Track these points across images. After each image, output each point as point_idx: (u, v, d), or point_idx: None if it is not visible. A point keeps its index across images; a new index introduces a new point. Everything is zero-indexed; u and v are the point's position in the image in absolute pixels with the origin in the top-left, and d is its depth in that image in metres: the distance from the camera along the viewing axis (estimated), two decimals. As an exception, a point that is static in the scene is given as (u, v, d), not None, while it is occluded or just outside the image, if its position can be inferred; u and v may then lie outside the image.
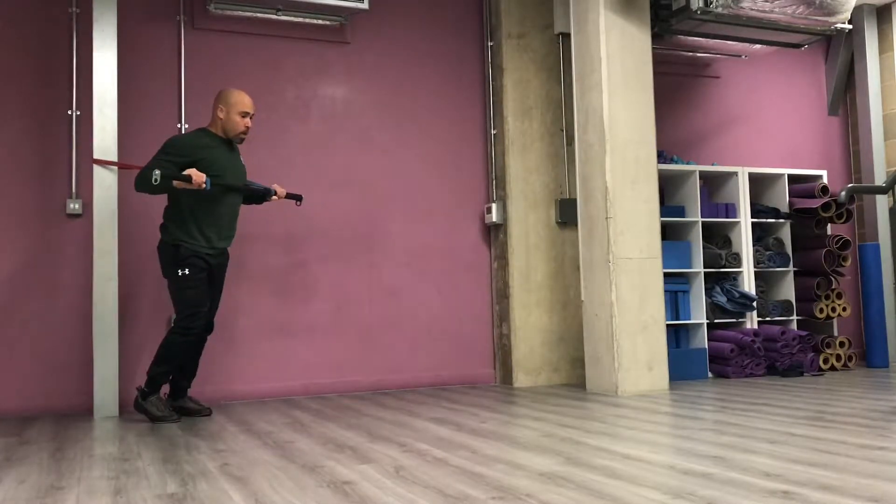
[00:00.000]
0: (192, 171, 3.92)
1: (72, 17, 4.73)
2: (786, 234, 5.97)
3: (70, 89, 4.69)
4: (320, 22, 5.26)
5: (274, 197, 4.46)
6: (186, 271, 4.02)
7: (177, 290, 4.06)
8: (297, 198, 4.57)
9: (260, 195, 4.43)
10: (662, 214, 5.34)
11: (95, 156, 4.37)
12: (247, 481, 2.51)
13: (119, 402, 4.33)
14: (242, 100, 4.17)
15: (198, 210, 4.07)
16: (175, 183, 3.92)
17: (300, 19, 5.21)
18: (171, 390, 4.24)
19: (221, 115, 4.16)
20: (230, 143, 4.23)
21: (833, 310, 5.86)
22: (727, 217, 5.77)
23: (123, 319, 4.55)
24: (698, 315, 5.55)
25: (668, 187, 5.86)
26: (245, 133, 4.22)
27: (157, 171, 3.84)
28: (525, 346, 5.35)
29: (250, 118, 4.21)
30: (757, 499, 2.09)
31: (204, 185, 3.93)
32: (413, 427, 3.57)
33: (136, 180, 4.00)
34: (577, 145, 5.00)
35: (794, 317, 5.84)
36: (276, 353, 4.99)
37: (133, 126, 4.74)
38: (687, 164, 5.94)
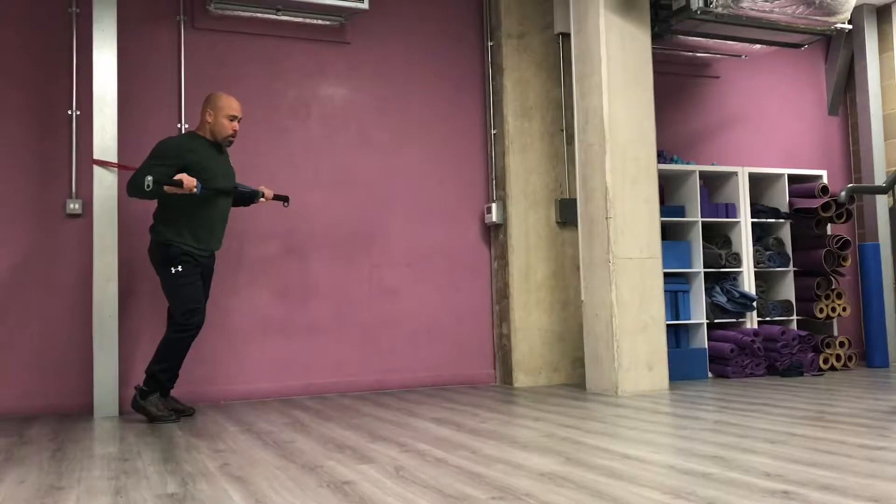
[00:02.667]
0: (183, 176, 3.94)
1: (72, 18, 4.73)
2: (786, 234, 5.97)
3: (70, 89, 4.69)
4: (320, 22, 5.26)
5: (261, 199, 4.48)
6: (180, 268, 4.05)
7: (172, 287, 4.08)
8: (284, 199, 4.59)
9: (248, 197, 4.45)
10: (662, 214, 5.34)
11: (95, 156, 4.37)
12: (247, 481, 2.51)
13: (119, 402, 4.33)
14: (230, 104, 4.20)
15: (189, 212, 4.09)
16: (166, 188, 3.94)
17: (300, 19, 5.21)
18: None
19: (209, 118, 4.18)
20: (219, 147, 4.25)
21: (833, 310, 5.86)
22: (727, 217, 5.77)
23: (123, 319, 4.55)
24: (698, 315, 5.55)
25: (668, 187, 5.86)
26: (233, 136, 4.25)
27: (149, 178, 3.87)
28: (525, 346, 5.35)
29: (238, 122, 4.24)
30: (757, 499, 2.09)
31: (195, 190, 3.96)
32: (413, 427, 3.57)
33: (129, 186, 4.02)
34: (577, 145, 5.00)
35: (794, 317, 5.85)
36: (276, 353, 4.99)
37: (133, 126, 4.74)
38: (687, 164, 5.94)
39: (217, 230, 4.21)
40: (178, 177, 3.95)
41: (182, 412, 4.16)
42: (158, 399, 4.05)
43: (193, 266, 4.10)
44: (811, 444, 2.87)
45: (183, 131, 4.90)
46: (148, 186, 3.87)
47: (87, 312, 4.51)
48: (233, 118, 4.20)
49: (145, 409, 4.02)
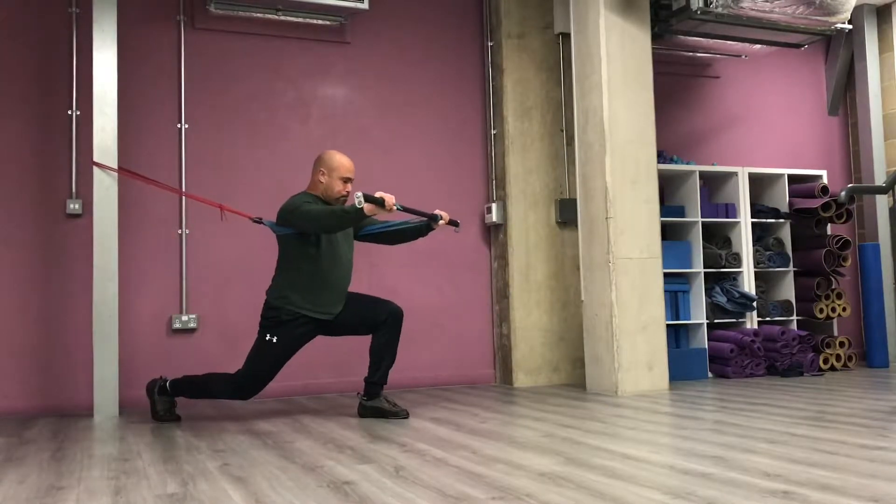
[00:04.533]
0: (384, 194, 3.68)
1: (72, 17, 4.73)
2: (786, 234, 5.97)
3: (70, 89, 4.69)
4: (320, 22, 5.26)
5: (441, 222, 4.05)
6: (274, 339, 3.82)
7: (255, 349, 3.87)
8: (456, 224, 4.18)
9: (422, 227, 4.08)
10: (662, 214, 5.34)
11: (95, 156, 4.37)
12: (247, 481, 2.51)
13: (119, 402, 4.33)
14: (345, 164, 3.96)
15: (316, 270, 3.85)
16: (366, 208, 3.61)
17: (300, 19, 5.21)
18: (364, 389, 3.98)
19: (323, 179, 3.95)
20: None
21: (833, 310, 5.86)
22: (727, 217, 5.77)
23: (123, 319, 4.55)
24: (698, 315, 5.55)
25: (668, 187, 5.86)
26: (345, 198, 4.00)
27: (359, 193, 3.59)
28: (525, 346, 5.35)
29: (350, 183, 4.00)
30: (757, 499, 2.09)
31: (395, 207, 3.68)
32: (413, 427, 3.57)
33: (313, 217, 3.73)
34: (577, 145, 5.00)
35: (794, 317, 5.84)
36: (276, 353, 4.99)
37: (133, 126, 4.74)
38: (687, 164, 5.94)
39: (343, 289, 3.96)
40: (378, 194, 3.66)
41: (394, 414, 3.92)
42: (169, 401, 4.03)
43: (293, 338, 3.85)
44: (811, 444, 2.87)
45: (183, 131, 4.90)
46: (360, 203, 3.57)
47: (87, 312, 4.51)
48: (346, 180, 3.96)
49: (153, 402, 4.01)
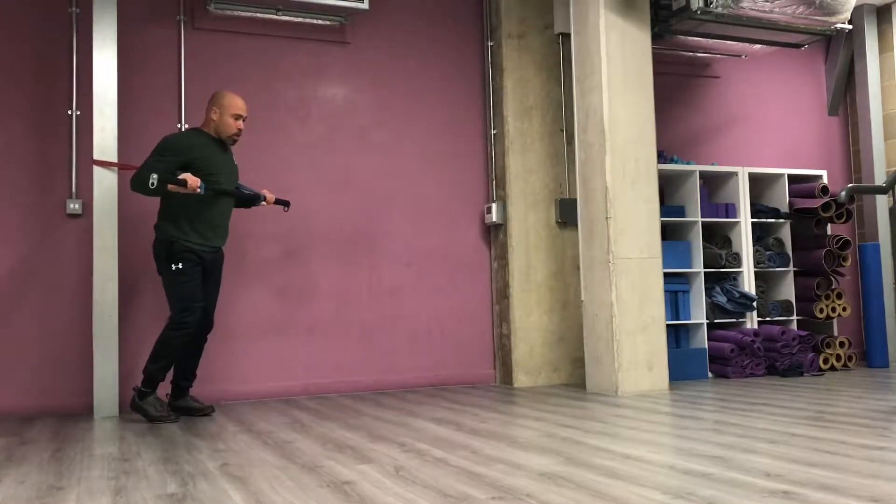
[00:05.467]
0: (187, 176, 3.95)
1: (72, 17, 4.73)
2: (786, 234, 5.97)
3: (70, 89, 4.69)
4: (320, 22, 5.26)
5: (263, 203, 4.47)
6: (180, 265, 4.05)
7: (171, 285, 4.09)
8: (285, 203, 4.58)
9: (249, 199, 4.45)
10: (662, 214, 5.34)
11: (95, 156, 4.37)
12: (247, 481, 2.51)
13: (119, 402, 4.33)
14: (235, 102, 4.22)
15: (192, 209, 4.10)
16: (170, 187, 3.95)
17: (300, 19, 5.21)
18: (172, 390, 4.24)
19: (215, 116, 4.20)
20: (223, 144, 4.26)
21: (833, 310, 5.86)
22: (727, 217, 5.77)
23: (123, 319, 4.55)
24: (698, 315, 5.55)
25: (668, 187, 5.86)
26: (238, 135, 4.26)
27: (154, 175, 3.90)
28: (525, 346, 5.35)
29: (243, 121, 4.26)
30: (757, 499, 2.09)
31: (199, 190, 3.97)
32: (413, 427, 3.57)
33: (133, 181, 4.04)
34: (577, 145, 5.00)
35: (794, 317, 5.84)
36: (276, 353, 4.99)
37: (133, 126, 4.74)
38: (687, 164, 5.94)
39: (221, 226, 4.23)
40: (182, 176, 3.96)
41: (200, 411, 4.18)
42: (156, 399, 4.05)
43: (195, 264, 4.10)
44: (811, 444, 2.87)
45: (183, 131, 4.90)
46: (152, 185, 3.90)
47: (87, 312, 4.51)
48: (238, 117, 4.22)
49: (143, 410, 4.02)
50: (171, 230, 4.09)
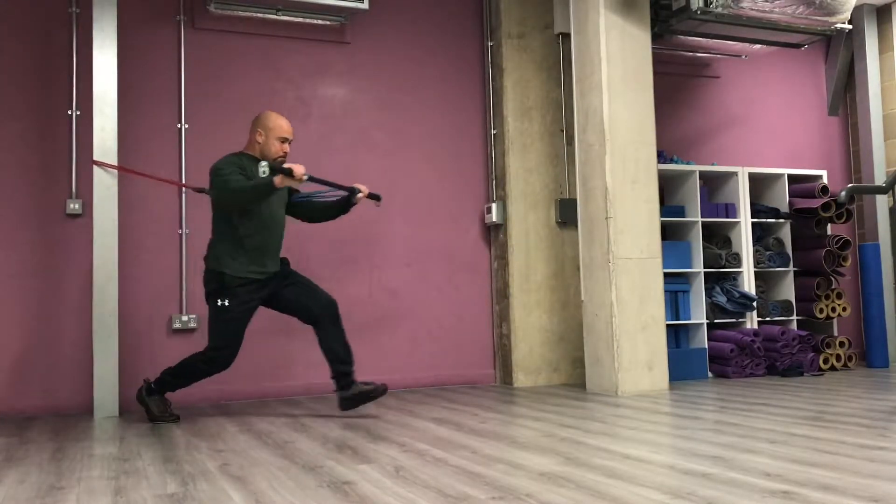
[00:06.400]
0: (293, 165, 3.72)
1: (72, 17, 4.73)
2: (786, 234, 5.97)
3: (70, 89, 4.69)
4: (320, 22, 5.26)
5: (359, 196, 4.10)
6: (226, 303, 3.87)
7: (213, 319, 3.92)
8: (377, 198, 4.22)
9: (342, 204, 4.14)
10: (662, 214, 5.34)
11: (95, 156, 4.37)
12: (247, 481, 2.51)
13: (119, 402, 4.33)
14: (281, 124, 4.04)
15: (248, 237, 3.92)
16: (276, 180, 3.67)
17: (300, 19, 5.21)
18: (337, 383, 4.00)
19: (260, 139, 4.02)
20: None
21: (833, 310, 5.86)
22: (727, 217, 5.77)
23: (123, 319, 4.55)
24: (698, 315, 5.55)
25: (668, 187, 5.86)
26: (284, 158, 4.05)
27: (264, 163, 3.71)
28: (525, 346, 5.35)
29: (288, 143, 4.08)
30: (757, 499, 2.09)
31: (304, 177, 3.73)
32: (413, 427, 3.58)
33: (226, 197, 3.80)
34: (577, 145, 5.00)
35: (794, 317, 5.84)
36: (276, 352, 4.99)
37: (133, 126, 4.74)
38: (687, 164, 5.94)
39: (276, 251, 4.04)
40: (287, 165, 3.72)
41: (376, 393, 3.97)
42: (161, 399, 4.04)
43: (244, 301, 3.91)
44: (811, 444, 2.87)
45: (183, 131, 4.90)
46: (263, 172, 3.66)
47: (87, 312, 4.51)
48: (284, 140, 4.03)
49: (147, 406, 4.02)
50: (225, 260, 3.91)
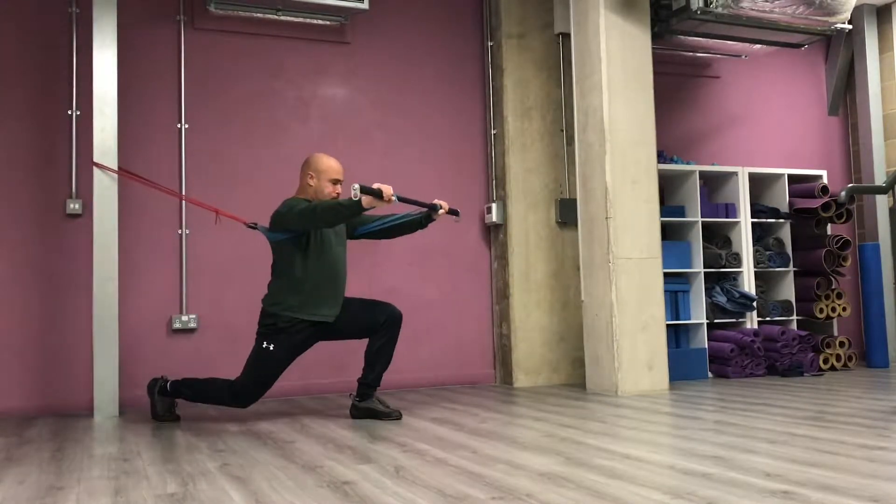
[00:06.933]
0: (381, 185, 3.59)
1: (72, 17, 4.73)
2: (786, 234, 5.97)
3: (70, 89, 4.69)
4: (320, 22, 5.26)
5: (440, 212, 3.96)
6: (271, 347, 3.79)
7: (254, 356, 3.84)
8: (456, 213, 4.10)
9: (418, 220, 4.01)
10: (662, 214, 5.34)
11: (96, 157, 4.36)
12: (247, 481, 2.51)
13: (119, 402, 4.33)
14: (332, 166, 3.93)
15: (313, 274, 3.81)
16: (364, 200, 3.54)
17: (300, 19, 5.21)
18: (357, 389, 3.94)
19: (312, 182, 3.92)
20: None
21: (833, 310, 5.86)
22: (727, 217, 5.77)
23: (123, 319, 4.55)
24: (698, 315, 5.55)
25: (668, 187, 5.86)
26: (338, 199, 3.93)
27: (356, 186, 3.50)
28: (525, 346, 5.35)
29: (340, 185, 3.96)
30: (757, 499, 2.09)
31: (393, 198, 3.61)
32: (413, 427, 3.57)
33: (310, 212, 3.65)
34: (577, 145, 5.00)
35: (794, 317, 5.84)
36: (276, 353, 4.98)
37: (133, 126, 4.74)
38: (687, 164, 5.94)
39: (341, 289, 3.93)
40: (376, 186, 3.58)
41: (386, 415, 3.90)
42: (169, 400, 4.04)
43: (290, 347, 3.82)
44: (811, 444, 2.87)
45: (183, 131, 4.90)
46: (355, 194, 3.49)
47: (87, 312, 4.51)
48: (336, 182, 3.92)
49: (153, 402, 4.02)
50: (281, 302, 3.80)
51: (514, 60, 5.49)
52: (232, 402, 3.89)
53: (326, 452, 2.98)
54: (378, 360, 3.94)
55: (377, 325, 3.93)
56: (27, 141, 4.61)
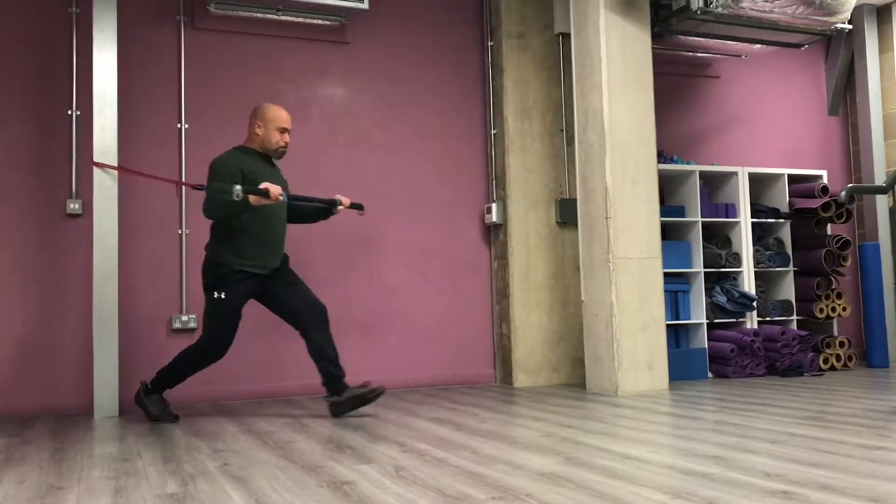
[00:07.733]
0: (268, 185, 3.78)
1: (72, 17, 4.73)
2: (786, 234, 5.97)
3: (70, 89, 4.69)
4: (320, 22, 5.26)
5: (339, 208, 4.22)
6: (222, 295, 3.89)
7: (209, 310, 3.95)
8: (360, 207, 4.35)
9: (324, 210, 4.24)
10: (662, 214, 5.34)
11: (95, 157, 4.37)
12: (247, 481, 2.51)
13: (119, 402, 4.33)
14: (280, 115, 4.07)
15: (249, 230, 3.92)
16: (252, 199, 3.75)
17: (300, 19, 5.21)
18: (328, 389, 4.00)
19: (259, 131, 4.05)
20: (269, 159, 4.11)
21: (833, 310, 5.86)
22: (727, 217, 5.77)
23: (123, 319, 4.55)
24: (698, 315, 5.55)
25: (668, 187, 5.86)
26: (284, 148, 4.10)
27: (237, 187, 3.67)
28: (525, 346, 5.35)
29: (288, 133, 4.10)
30: (757, 499, 2.09)
31: (281, 198, 3.80)
32: (413, 427, 3.58)
33: (208, 209, 3.87)
34: (577, 145, 5.00)
35: (794, 317, 5.85)
36: (275, 353, 4.99)
37: (133, 126, 4.74)
38: (687, 164, 5.94)
39: (278, 245, 4.05)
40: (263, 185, 3.78)
41: (372, 395, 3.97)
42: (160, 399, 4.05)
43: (241, 295, 3.94)
44: (811, 444, 2.87)
45: (183, 131, 4.90)
46: (237, 196, 3.66)
47: (87, 312, 4.51)
48: (283, 130, 4.06)
49: (145, 406, 4.03)
50: (225, 254, 3.91)
51: (514, 60, 5.49)
52: (206, 360, 3.98)
53: (326, 452, 2.98)
54: (325, 352, 3.98)
55: (303, 321, 4.01)
56: (27, 141, 4.62)
